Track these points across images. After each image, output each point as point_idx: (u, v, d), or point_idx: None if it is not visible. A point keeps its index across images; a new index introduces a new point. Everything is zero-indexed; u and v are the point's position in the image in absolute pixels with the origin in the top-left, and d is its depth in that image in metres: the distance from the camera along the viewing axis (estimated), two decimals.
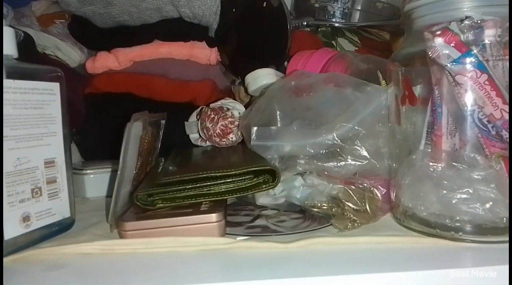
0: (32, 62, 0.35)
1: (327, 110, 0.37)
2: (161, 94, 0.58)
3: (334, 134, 0.35)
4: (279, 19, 0.54)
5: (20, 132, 0.32)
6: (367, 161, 0.35)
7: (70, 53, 0.59)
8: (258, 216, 0.38)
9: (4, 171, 0.31)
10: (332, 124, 0.35)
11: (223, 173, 0.35)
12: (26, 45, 0.52)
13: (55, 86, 0.36)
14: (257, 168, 0.36)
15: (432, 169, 0.32)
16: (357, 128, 0.35)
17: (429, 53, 0.31)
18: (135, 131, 0.38)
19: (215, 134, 0.45)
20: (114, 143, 0.48)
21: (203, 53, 0.61)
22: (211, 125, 0.45)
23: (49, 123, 0.35)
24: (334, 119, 0.36)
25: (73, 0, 0.56)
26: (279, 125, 0.39)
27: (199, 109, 0.53)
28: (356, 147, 0.35)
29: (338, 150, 0.35)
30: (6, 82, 0.31)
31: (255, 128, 0.39)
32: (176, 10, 0.57)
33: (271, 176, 0.36)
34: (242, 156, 0.43)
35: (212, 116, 0.45)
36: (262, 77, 0.52)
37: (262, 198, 0.39)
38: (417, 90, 0.36)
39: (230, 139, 0.46)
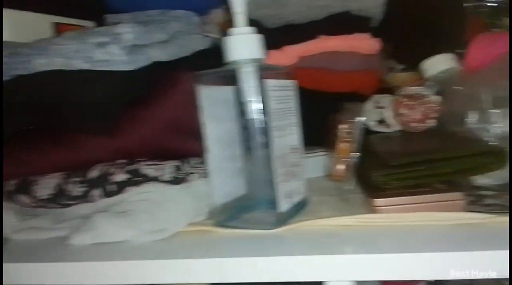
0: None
1: None
2: (329, 85, 0.62)
3: None
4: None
5: (281, 123, 0.38)
6: None
7: None
8: (479, 196, 0.40)
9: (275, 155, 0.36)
10: None
11: (455, 154, 0.38)
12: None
13: (293, 83, 0.41)
14: (485, 150, 0.38)
15: None
16: None
17: None
18: None
19: (413, 120, 0.48)
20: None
21: (366, 44, 0.63)
22: (408, 111, 0.48)
23: (292, 115, 0.40)
24: None
25: (250, 5, 0.62)
26: (491, 109, 0.41)
27: (376, 97, 0.56)
28: None
29: None
30: (271, 82, 0.37)
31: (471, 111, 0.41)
32: (344, 4, 0.60)
33: (495, 157, 0.38)
34: (448, 139, 0.45)
35: (410, 102, 0.48)
36: (443, 63, 0.53)
37: (482, 179, 0.41)
38: None
39: (429, 123, 0.48)
